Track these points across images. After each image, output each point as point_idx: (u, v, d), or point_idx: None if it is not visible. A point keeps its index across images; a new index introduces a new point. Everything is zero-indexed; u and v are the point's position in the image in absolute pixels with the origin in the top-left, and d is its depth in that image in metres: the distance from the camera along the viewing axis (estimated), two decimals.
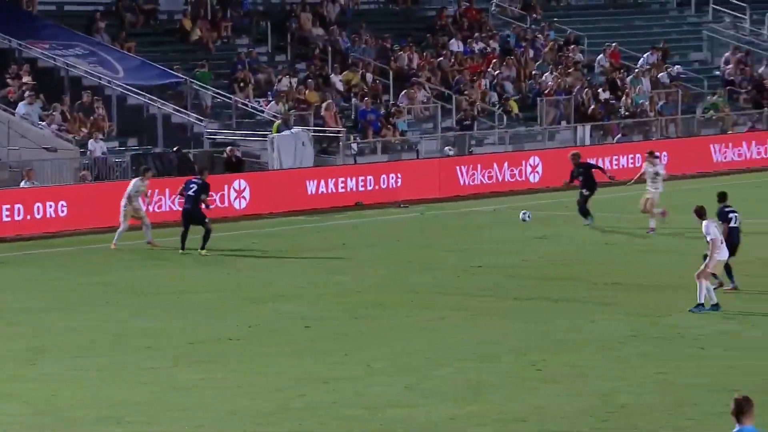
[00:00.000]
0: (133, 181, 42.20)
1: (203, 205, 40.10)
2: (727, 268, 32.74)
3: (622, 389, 25.30)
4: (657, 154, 45.17)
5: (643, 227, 42.54)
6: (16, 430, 23.23)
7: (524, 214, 38.93)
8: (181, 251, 39.53)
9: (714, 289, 31.51)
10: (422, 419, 23.40)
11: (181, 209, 41.29)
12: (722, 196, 35.00)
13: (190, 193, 39.98)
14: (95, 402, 24.80)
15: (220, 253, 39.52)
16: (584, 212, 44.10)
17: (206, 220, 39.35)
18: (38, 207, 44.44)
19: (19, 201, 44.16)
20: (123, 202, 41.33)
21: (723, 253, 31.34)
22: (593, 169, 45.24)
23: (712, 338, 29.22)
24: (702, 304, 30.80)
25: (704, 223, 31.40)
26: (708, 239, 31.06)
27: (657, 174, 42.80)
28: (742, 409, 14.74)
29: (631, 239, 38.59)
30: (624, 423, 23.27)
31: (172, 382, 26.10)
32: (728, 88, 66.41)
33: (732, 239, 33.22)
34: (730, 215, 33.76)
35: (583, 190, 44.43)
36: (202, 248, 39.22)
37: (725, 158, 60.33)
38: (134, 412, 24.08)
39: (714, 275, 31.81)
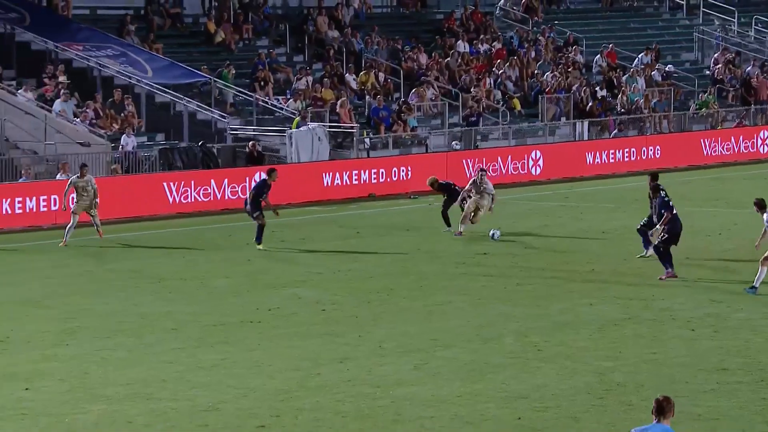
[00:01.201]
0: (72, 178, 40.92)
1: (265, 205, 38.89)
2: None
3: (617, 368, 25.31)
4: None
5: (640, 217, 42.50)
6: (53, 406, 23.29)
7: (493, 232, 37.13)
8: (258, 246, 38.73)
9: None
10: (429, 396, 23.43)
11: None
12: (654, 176, 35.60)
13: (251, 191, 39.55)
14: (124, 380, 24.87)
15: (246, 243, 39.51)
16: (445, 218, 41.81)
17: (256, 215, 38.58)
18: (72, 198, 44.43)
19: (56, 192, 44.18)
20: (72, 198, 40.67)
21: None
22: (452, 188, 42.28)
23: (701, 320, 29.22)
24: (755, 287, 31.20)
25: (765, 216, 31.61)
26: None
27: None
28: (662, 409, 14.82)
29: (629, 229, 38.48)
30: (619, 400, 23.28)
31: (195, 362, 26.15)
32: (717, 86, 66.34)
33: (675, 228, 33.35)
34: (671, 204, 33.94)
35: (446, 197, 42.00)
36: (257, 241, 38.61)
37: (715, 152, 60.31)
38: (160, 390, 24.14)
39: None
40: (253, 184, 39.32)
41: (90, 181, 40.26)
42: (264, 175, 39.97)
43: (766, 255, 30.62)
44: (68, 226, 39.83)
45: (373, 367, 25.40)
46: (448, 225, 41.27)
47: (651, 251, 34.69)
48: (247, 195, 39.72)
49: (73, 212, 40.01)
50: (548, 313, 30.04)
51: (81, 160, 47.12)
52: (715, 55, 69.40)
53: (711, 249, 38.25)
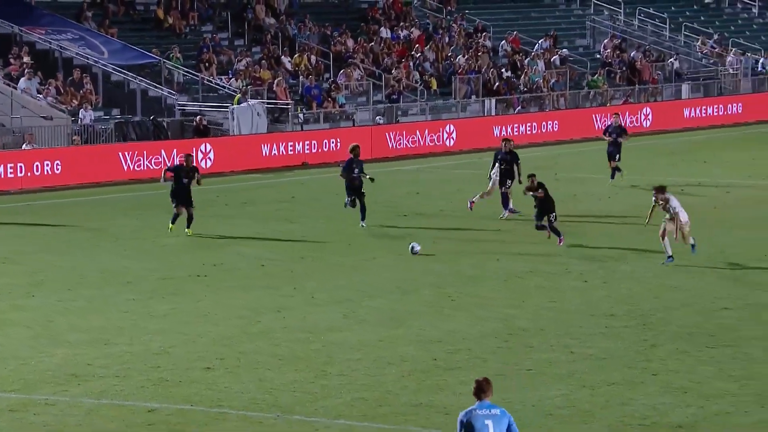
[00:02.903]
0: None
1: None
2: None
3: (521, 315, 25.44)
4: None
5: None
6: (20, 350, 23.13)
7: (413, 247, 31.47)
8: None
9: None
10: (356, 341, 23.45)
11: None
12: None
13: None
14: (85, 327, 24.76)
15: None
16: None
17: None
18: (37, 165, 44.31)
19: (21, 161, 44.04)
20: None
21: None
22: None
23: (593, 273, 29.41)
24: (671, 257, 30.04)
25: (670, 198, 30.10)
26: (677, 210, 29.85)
27: None
28: (482, 388, 14.13)
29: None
30: (522, 343, 23.40)
31: (148, 311, 26.08)
32: (606, 68, 66.59)
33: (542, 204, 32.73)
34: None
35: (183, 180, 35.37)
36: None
37: (605, 126, 60.45)
38: (117, 336, 24.05)
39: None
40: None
41: None
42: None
43: (661, 232, 30.07)
44: None
45: (307, 316, 25.43)
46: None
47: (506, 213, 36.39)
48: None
49: None
50: (460, 269, 30.12)
51: (44, 133, 46.90)
52: (605, 41, 69.69)
53: (599, 210, 38.40)
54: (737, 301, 26.46)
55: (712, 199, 39.85)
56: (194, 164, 36.34)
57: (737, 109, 65.10)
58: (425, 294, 27.38)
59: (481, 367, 21.79)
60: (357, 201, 35.69)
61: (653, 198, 30.33)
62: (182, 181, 34.25)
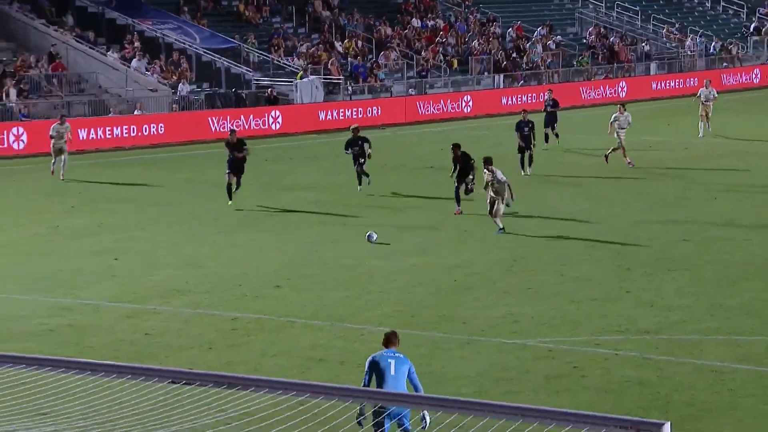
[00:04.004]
0: (54, 125, 35.77)
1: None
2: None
3: (523, 247, 25.33)
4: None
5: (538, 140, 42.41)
6: (133, 271, 23.20)
7: (370, 236, 25.52)
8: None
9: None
10: (392, 266, 23.39)
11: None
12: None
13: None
14: (183, 254, 24.87)
15: (263, 160, 39.34)
16: (360, 178, 32.66)
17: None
18: (145, 127, 44.39)
19: (134, 123, 44.16)
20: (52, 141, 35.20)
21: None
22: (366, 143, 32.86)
23: (583, 213, 29.28)
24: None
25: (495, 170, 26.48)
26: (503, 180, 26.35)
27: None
28: (389, 339, 13.23)
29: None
30: (523, 268, 23.29)
31: (230, 242, 26.18)
32: (591, 51, 66.00)
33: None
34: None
35: (360, 159, 32.64)
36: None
37: (590, 96, 60.19)
38: (208, 260, 24.16)
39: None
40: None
41: (69, 128, 35.76)
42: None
43: (494, 212, 26.48)
44: (54, 161, 34.99)
45: (354, 247, 25.42)
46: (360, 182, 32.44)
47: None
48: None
49: (52, 152, 35.08)
50: (475, 210, 30.00)
51: (150, 102, 46.95)
52: (590, 29, 69.05)
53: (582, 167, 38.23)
54: (693, 236, 26.36)
55: (674, 153, 39.59)
56: (238, 138, 31.60)
57: (694, 82, 64.40)
58: (448, 231, 27.36)
59: (491, 286, 21.79)
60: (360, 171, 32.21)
61: (484, 170, 26.55)
62: (233, 154, 30.71)
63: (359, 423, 12.25)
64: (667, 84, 64.34)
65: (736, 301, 20.66)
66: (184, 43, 52.32)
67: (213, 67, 52.42)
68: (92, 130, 43.00)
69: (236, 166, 30.60)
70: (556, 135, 41.60)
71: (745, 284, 21.83)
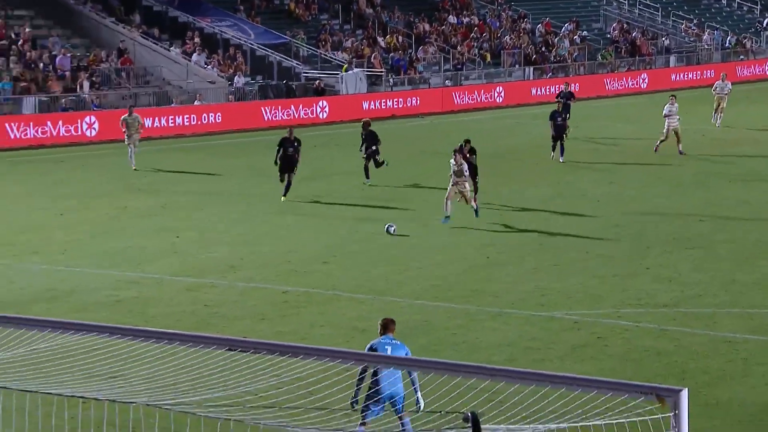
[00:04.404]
0: (123, 117, 34.76)
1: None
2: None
3: (551, 226, 25.23)
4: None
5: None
6: (193, 248, 23.30)
7: (389, 227, 24.32)
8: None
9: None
10: (430, 244, 23.29)
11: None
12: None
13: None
14: (238, 232, 24.95)
15: (312, 146, 39.26)
16: (366, 170, 31.36)
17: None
18: (204, 116, 44.51)
19: (194, 113, 44.28)
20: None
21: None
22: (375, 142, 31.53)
23: (605, 196, 29.06)
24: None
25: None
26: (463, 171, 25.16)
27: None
28: (386, 326, 12.57)
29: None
30: (551, 245, 23.22)
31: (282, 222, 26.23)
32: (614, 45, 65.47)
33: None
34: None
35: (366, 152, 31.44)
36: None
37: (613, 87, 59.75)
38: (260, 238, 24.23)
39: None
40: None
41: (138, 119, 34.88)
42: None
43: (451, 196, 25.08)
44: (130, 152, 34.11)
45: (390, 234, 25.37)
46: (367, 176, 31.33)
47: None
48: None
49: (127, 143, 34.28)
50: (504, 193, 29.88)
51: (209, 93, 47.10)
52: (613, 24, 68.48)
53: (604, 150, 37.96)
54: (709, 216, 26.15)
55: (691, 140, 39.24)
56: (296, 137, 29.76)
57: (711, 74, 63.76)
58: (480, 211, 27.29)
59: (520, 263, 21.72)
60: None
61: (453, 158, 25.29)
62: (288, 151, 29.07)
63: (352, 406, 11.89)
64: (686, 75, 63.79)
65: (749, 277, 20.50)
66: (239, 39, 52.44)
67: (266, 61, 52.49)
68: (156, 119, 43.19)
69: (288, 163, 28.86)
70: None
71: (758, 261, 21.66)
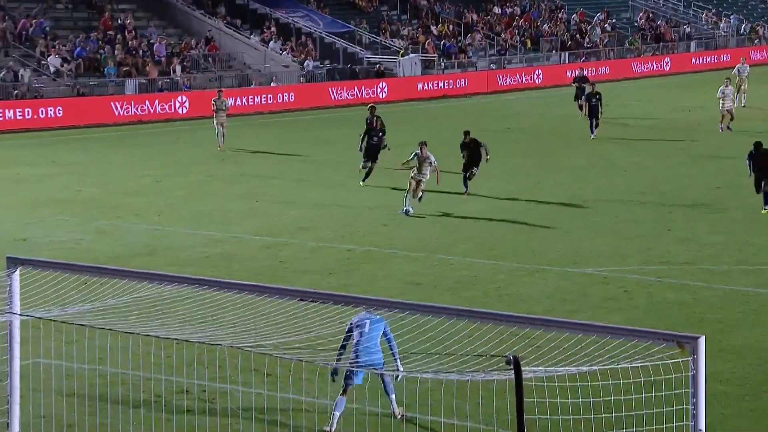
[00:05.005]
0: (213, 99, 32.94)
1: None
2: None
3: (584, 193, 24.95)
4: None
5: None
6: (271, 210, 23.40)
7: (407, 210, 22.18)
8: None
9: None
10: (475, 209, 23.11)
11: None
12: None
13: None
14: (309, 197, 24.85)
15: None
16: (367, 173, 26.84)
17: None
18: (279, 96, 44.58)
19: (270, 93, 44.40)
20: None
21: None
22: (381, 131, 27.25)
23: (632, 165, 28.65)
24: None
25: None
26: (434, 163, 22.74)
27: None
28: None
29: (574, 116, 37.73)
30: (582, 209, 22.99)
31: (350, 187, 26.16)
32: (641, 32, 64.47)
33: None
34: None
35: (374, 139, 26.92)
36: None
37: (640, 70, 58.91)
38: (329, 202, 24.16)
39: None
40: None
41: (226, 102, 32.94)
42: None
43: (412, 188, 22.56)
44: (217, 133, 32.40)
45: (442, 195, 25.17)
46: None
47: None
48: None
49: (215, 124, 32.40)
50: (542, 162, 29.53)
51: (283, 76, 47.12)
52: (640, 14, 67.45)
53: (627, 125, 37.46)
54: (726, 184, 25.75)
55: (710, 116, 38.58)
56: (381, 120, 27.02)
57: (727, 57, 62.68)
58: (520, 181, 27.09)
59: (556, 225, 21.54)
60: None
61: (419, 150, 22.61)
62: (373, 140, 26.45)
63: (332, 377, 11.49)
64: (705, 59, 62.68)
65: (761, 239, 20.21)
66: (310, 28, 52.42)
67: (333, 47, 52.41)
68: (238, 99, 43.31)
69: (373, 151, 26.04)
70: (580, 107, 39.90)
71: None
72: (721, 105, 34.67)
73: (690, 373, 7.43)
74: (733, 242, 19.94)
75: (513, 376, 7.49)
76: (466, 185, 24.54)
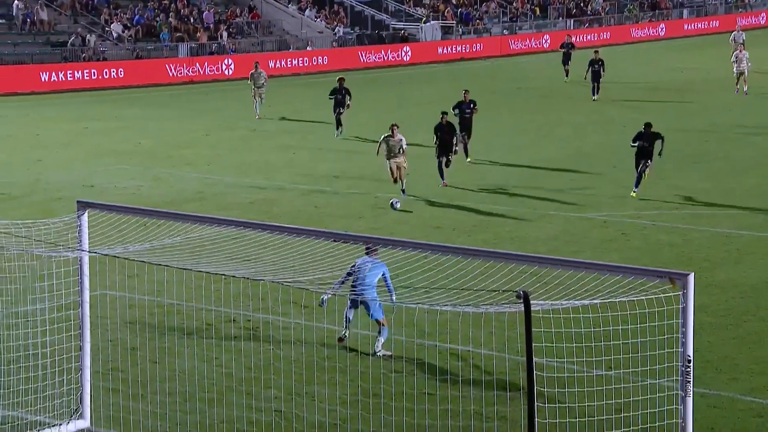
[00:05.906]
0: (251, 72, 30.04)
1: None
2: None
3: (585, 146, 24.64)
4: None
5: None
6: (304, 162, 23.32)
7: (394, 203, 18.43)
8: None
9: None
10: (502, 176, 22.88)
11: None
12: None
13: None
14: (340, 150, 24.78)
15: (397, 83, 38.66)
16: (338, 124, 26.38)
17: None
18: (314, 59, 44.28)
19: (306, 56, 44.09)
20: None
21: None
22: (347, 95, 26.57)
23: (629, 123, 28.31)
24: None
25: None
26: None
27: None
28: (371, 250, 10.99)
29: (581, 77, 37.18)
30: (586, 164, 22.75)
31: (372, 143, 25.86)
32: (639, 0, 63.43)
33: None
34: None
35: (340, 109, 26.50)
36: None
37: (637, 35, 58.01)
38: (358, 155, 24.02)
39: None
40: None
41: (263, 74, 30.01)
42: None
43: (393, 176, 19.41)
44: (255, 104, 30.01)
45: (471, 166, 24.80)
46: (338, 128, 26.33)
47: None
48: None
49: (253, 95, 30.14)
50: (550, 120, 29.20)
51: (318, 40, 46.68)
52: None
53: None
54: (712, 137, 25.43)
55: (700, 76, 37.97)
56: (471, 100, 22.93)
57: (716, 24, 61.70)
58: (530, 134, 26.84)
59: (561, 176, 21.34)
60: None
61: (390, 132, 19.27)
62: (466, 113, 22.67)
63: (321, 305, 11.52)
64: (696, 25, 61.73)
65: (743, 186, 20.02)
66: None
67: (362, 15, 51.90)
68: (277, 62, 43.08)
69: (467, 126, 22.40)
70: (567, 72, 38.14)
71: (750, 173, 21.10)
72: (735, 69, 33.45)
73: (680, 306, 7.45)
74: (719, 189, 19.78)
75: (522, 308, 7.48)
76: (442, 174, 19.92)
